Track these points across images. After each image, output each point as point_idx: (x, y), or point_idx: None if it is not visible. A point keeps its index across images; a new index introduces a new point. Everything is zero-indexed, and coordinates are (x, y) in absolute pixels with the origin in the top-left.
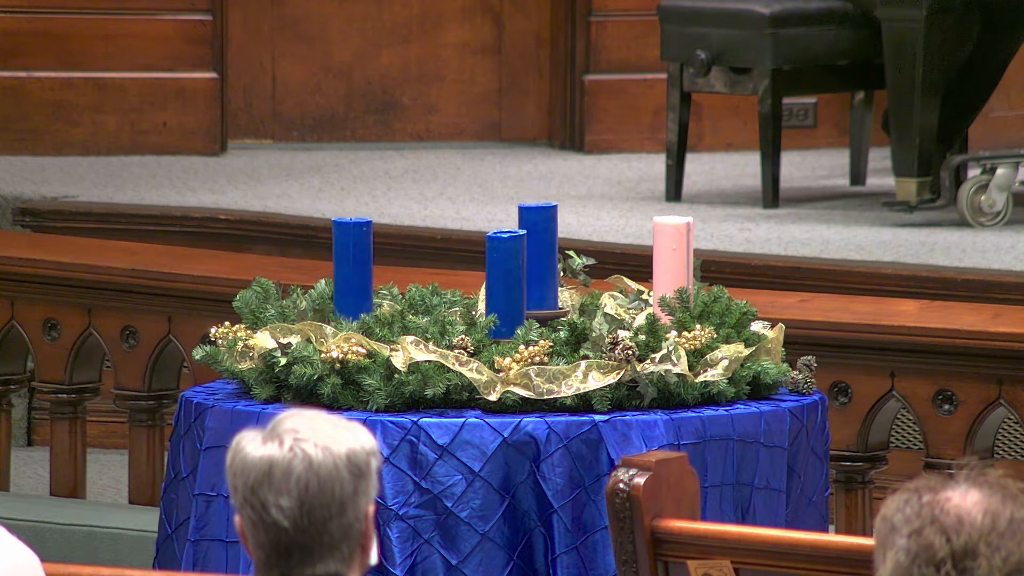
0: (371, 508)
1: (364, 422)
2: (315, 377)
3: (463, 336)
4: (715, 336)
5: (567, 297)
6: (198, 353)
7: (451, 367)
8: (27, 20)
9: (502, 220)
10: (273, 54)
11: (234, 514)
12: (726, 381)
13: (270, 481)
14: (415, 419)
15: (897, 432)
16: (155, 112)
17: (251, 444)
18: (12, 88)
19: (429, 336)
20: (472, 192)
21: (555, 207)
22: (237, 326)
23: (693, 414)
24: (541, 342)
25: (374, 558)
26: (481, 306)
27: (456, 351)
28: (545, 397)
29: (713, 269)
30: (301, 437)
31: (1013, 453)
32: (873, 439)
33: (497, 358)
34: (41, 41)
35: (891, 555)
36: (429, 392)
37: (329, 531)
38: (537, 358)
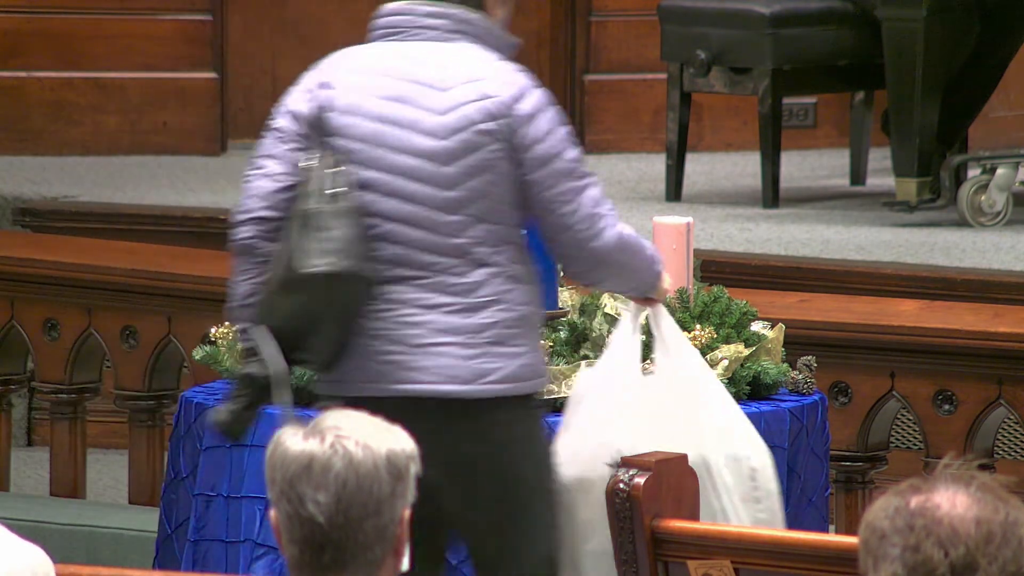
0: (407, 512)
1: None
2: (315, 377)
3: None
4: (715, 336)
5: (567, 297)
6: (198, 353)
7: None
8: (27, 20)
9: None
10: (273, 54)
11: (269, 508)
12: (726, 381)
13: (309, 475)
14: None
15: (897, 432)
16: (155, 112)
17: (292, 439)
18: (12, 88)
19: None
20: None
21: None
22: None
23: None
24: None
25: (405, 564)
26: None
27: None
28: (545, 397)
29: (713, 269)
30: (342, 434)
31: (1013, 453)
32: (873, 439)
33: None
34: (41, 41)
35: (885, 566)
36: None
37: (364, 530)
38: None
